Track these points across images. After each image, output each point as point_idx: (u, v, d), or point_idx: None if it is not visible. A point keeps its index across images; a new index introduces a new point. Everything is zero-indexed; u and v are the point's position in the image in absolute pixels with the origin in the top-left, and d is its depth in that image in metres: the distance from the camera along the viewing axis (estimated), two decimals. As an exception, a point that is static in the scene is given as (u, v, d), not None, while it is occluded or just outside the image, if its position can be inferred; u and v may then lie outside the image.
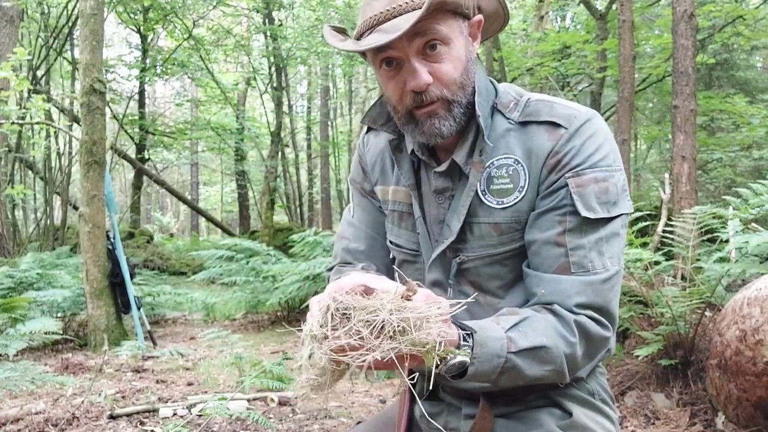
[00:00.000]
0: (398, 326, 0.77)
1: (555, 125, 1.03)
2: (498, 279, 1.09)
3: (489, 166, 1.06)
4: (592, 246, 1.00)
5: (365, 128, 1.28)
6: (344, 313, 0.80)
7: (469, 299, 0.96)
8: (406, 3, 0.98)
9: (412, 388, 1.23)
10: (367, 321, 0.78)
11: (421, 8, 0.94)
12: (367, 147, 1.27)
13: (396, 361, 0.80)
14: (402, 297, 0.82)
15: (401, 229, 1.19)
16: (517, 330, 0.97)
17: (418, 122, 1.04)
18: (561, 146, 1.02)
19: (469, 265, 1.09)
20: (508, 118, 1.08)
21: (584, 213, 0.99)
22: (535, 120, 1.05)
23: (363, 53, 1.07)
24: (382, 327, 0.77)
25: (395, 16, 0.98)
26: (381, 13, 0.99)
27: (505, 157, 1.06)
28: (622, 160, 1.08)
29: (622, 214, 1.02)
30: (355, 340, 0.77)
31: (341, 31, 1.09)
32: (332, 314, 0.80)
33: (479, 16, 1.07)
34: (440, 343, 0.81)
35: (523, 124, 1.06)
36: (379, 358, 0.78)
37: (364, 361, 0.77)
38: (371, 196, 1.26)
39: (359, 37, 1.03)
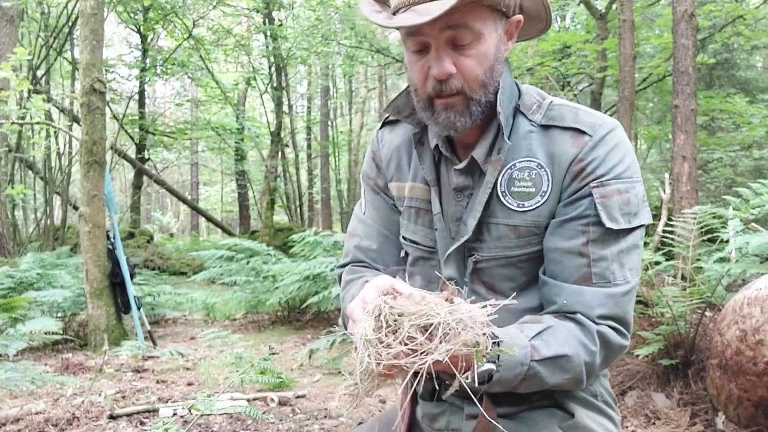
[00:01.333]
0: (451, 328, 0.77)
1: (580, 132, 1.03)
2: (511, 281, 1.09)
3: (511, 167, 1.06)
4: (614, 258, 1.01)
5: (379, 124, 1.27)
6: (396, 319, 0.79)
7: (509, 300, 0.95)
8: None
9: (413, 389, 1.24)
10: (421, 325, 0.77)
11: None
12: (381, 143, 1.25)
13: (451, 363, 0.79)
14: (447, 300, 0.82)
15: (418, 225, 1.17)
16: (541, 339, 0.97)
17: (435, 111, 1.03)
18: (585, 154, 1.02)
19: (484, 265, 1.09)
20: (530, 120, 1.07)
21: (608, 224, 1.00)
22: (559, 125, 1.05)
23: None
24: (435, 330, 0.77)
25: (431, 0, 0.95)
26: None
27: (527, 160, 1.05)
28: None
29: (641, 225, 1.03)
30: (410, 345, 0.76)
31: (382, 2, 1.05)
32: (385, 319, 0.79)
33: (519, 16, 1.05)
34: (491, 342, 0.82)
35: (546, 127, 1.06)
36: (439, 360, 0.78)
37: (423, 364, 0.76)
38: (384, 192, 1.24)
39: (395, 12, 0.99)
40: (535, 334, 0.97)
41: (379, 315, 0.80)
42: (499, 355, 0.90)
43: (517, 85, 1.12)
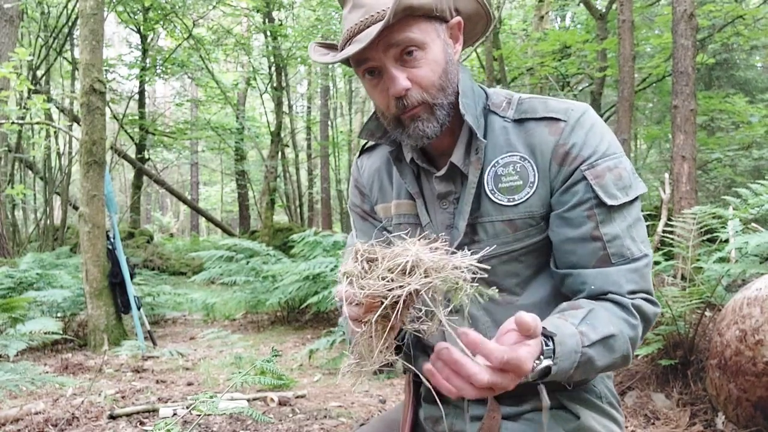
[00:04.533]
0: (430, 266, 0.78)
1: (554, 119, 1.05)
2: (515, 276, 1.10)
3: (494, 164, 1.08)
4: (625, 234, 1.03)
5: (357, 153, 1.31)
6: (372, 259, 0.82)
7: (489, 249, 1.01)
8: (378, 13, 1.00)
9: (415, 389, 1.24)
10: (397, 262, 0.79)
11: (396, 13, 0.97)
12: (362, 170, 1.29)
13: (428, 299, 0.79)
14: (434, 249, 0.83)
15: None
16: (586, 323, 0.98)
17: (404, 126, 1.06)
18: (565, 139, 1.04)
19: (485, 264, 1.09)
20: (503, 117, 1.10)
21: (609, 201, 1.02)
22: (532, 117, 1.07)
23: (350, 64, 1.10)
24: (414, 268, 0.78)
25: (368, 26, 1.00)
26: (356, 24, 1.02)
27: (509, 155, 1.07)
28: None
29: (638, 196, 1.06)
30: (387, 280, 0.78)
31: (330, 47, 1.12)
32: (363, 259, 0.82)
33: (458, 18, 1.08)
34: (471, 281, 0.81)
35: (520, 121, 1.08)
36: (416, 289, 0.78)
37: (399, 295, 0.77)
38: (372, 216, 1.28)
39: (342, 50, 1.05)
40: (580, 320, 0.98)
41: (357, 255, 0.83)
42: (555, 349, 0.90)
43: (482, 87, 1.15)
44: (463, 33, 1.11)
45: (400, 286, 0.77)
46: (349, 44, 1.03)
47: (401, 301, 0.78)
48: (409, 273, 0.79)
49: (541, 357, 0.88)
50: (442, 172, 1.11)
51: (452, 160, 1.09)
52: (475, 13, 1.12)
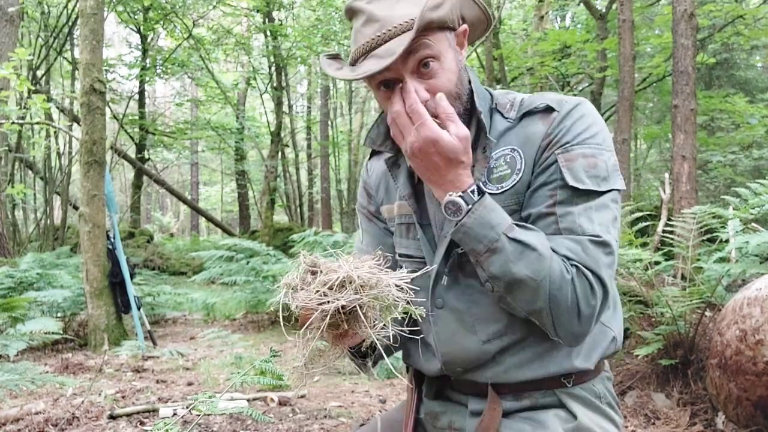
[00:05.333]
0: (360, 282, 0.85)
1: (548, 110, 1.08)
2: None
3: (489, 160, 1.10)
4: (580, 213, 1.02)
5: (368, 156, 1.35)
6: (313, 271, 0.89)
7: (428, 268, 1.10)
8: (395, 27, 1.01)
9: (417, 386, 1.25)
10: (330, 277, 0.86)
11: (410, 30, 0.99)
12: (370, 172, 1.33)
13: (360, 313, 0.85)
14: (371, 266, 0.89)
15: (408, 239, 1.22)
16: (524, 227, 1.02)
17: None
18: (553, 128, 1.06)
19: None
20: (506, 118, 1.12)
21: (572, 183, 1.02)
22: (530, 110, 1.10)
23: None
24: (348, 283, 0.85)
25: (387, 41, 1.01)
26: (373, 39, 1.02)
27: (502, 149, 1.10)
28: (614, 148, 1.11)
29: (612, 190, 1.04)
30: (321, 293, 0.85)
31: (336, 58, 1.13)
32: (305, 270, 0.89)
33: (464, 26, 1.10)
34: (401, 302, 0.87)
35: (520, 118, 1.11)
36: (342, 305, 0.84)
37: (328, 310, 0.84)
38: (377, 217, 1.31)
39: (354, 63, 1.07)
40: (522, 225, 1.02)
41: (299, 267, 0.90)
42: (473, 207, 0.99)
43: (488, 90, 1.18)
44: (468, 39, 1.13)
45: (329, 302, 0.84)
46: (364, 59, 1.03)
47: (329, 315, 0.84)
48: (343, 288, 0.85)
49: (460, 192, 0.99)
50: None
51: None
52: (477, 18, 1.14)
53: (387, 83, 1.05)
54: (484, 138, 1.09)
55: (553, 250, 1.00)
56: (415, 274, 0.89)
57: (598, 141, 1.05)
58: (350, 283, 0.84)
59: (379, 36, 1.01)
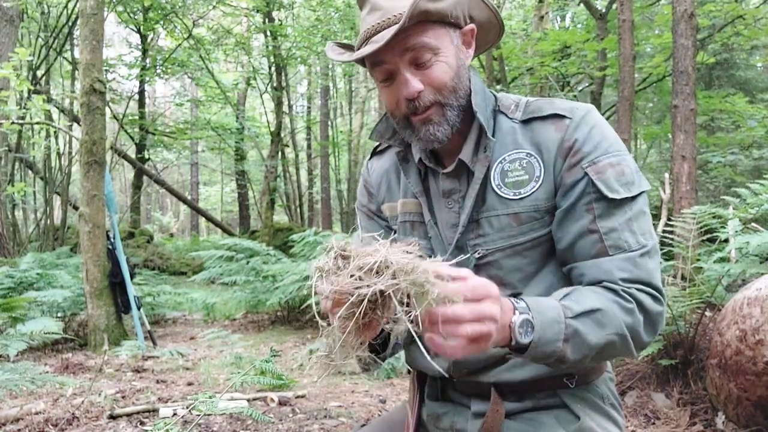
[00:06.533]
0: (397, 267, 0.80)
1: (559, 117, 1.08)
2: (519, 271, 1.11)
3: (501, 161, 1.10)
4: (623, 227, 1.02)
5: (368, 156, 1.35)
6: (344, 256, 0.84)
7: (467, 255, 1.06)
8: (394, 16, 1.03)
9: (420, 387, 1.25)
10: (366, 261, 0.81)
11: (411, 17, 0.99)
12: (371, 171, 1.33)
13: (395, 300, 0.80)
14: (406, 252, 0.85)
15: (413, 237, 1.22)
16: (569, 299, 0.99)
17: (414, 128, 1.09)
18: (570, 135, 1.06)
19: (490, 258, 1.11)
20: (511, 118, 1.12)
21: (609, 195, 1.02)
22: (539, 116, 1.10)
23: (364, 65, 1.13)
24: (385, 268, 0.81)
25: (384, 29, 1.04)
26: (373, 26, 1.05)
27: (516, 152, 1.09)
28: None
29: (642, 192, 1.05)
30: (356, 278, 0.81)
31: (346, 47, 1.15)
32: (336, 255, 0.85)
33: (471, 25, 1.11)
34: (438, 286, 0.82)
35: (527, 122, 1.11)
36: (381, 289, 0.79)
37: (365, 294, 0.79)
38: (378, 216, 1.32)
39: (358, 50, 1.09)
40: (563, 296, 0.99)
41: (330, 251, 0.85)
42: (532, 315, 0.92)
43: (492, 92, 1.18)
44: (476, 40, 1.14)
45: (367, 285, 0.79)
46: (365, 44, 1.06)
47: (366, 300, 0.79)
48: (378, 273, 0.80)
49: (516, 311, 0.91)
50: (450, 168, 1.14)
51: (461, 157, 1.12)
52: (487, 21, 1.14)
53: (386, 77, 1.07)
54: (485, 138, 1.09)
55: (607, 276, 1.01)
56: (451, 262, 0.86)
57: (618, 147, 1.06)
58: (386, 267, 0.80)
59: (379, 24, 1.04)
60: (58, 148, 11.07)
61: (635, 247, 1.02)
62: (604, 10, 9.35)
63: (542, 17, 10.87)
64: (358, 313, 0.81)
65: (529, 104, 1.12)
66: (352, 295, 0.80)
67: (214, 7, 12.68)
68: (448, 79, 1.05)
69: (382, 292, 0.79)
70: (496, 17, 1.14)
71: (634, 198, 1.04)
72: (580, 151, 1.05)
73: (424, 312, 0.80)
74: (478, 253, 1.11)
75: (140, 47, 13.33)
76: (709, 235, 3.55)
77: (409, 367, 1.31)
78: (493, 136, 1.11)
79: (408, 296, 0.81)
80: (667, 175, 5.12)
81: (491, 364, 1.11)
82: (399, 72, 1.05)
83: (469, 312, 0.81)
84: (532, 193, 1.07)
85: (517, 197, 1.08)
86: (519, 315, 0.91)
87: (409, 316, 0.81)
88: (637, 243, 1.02)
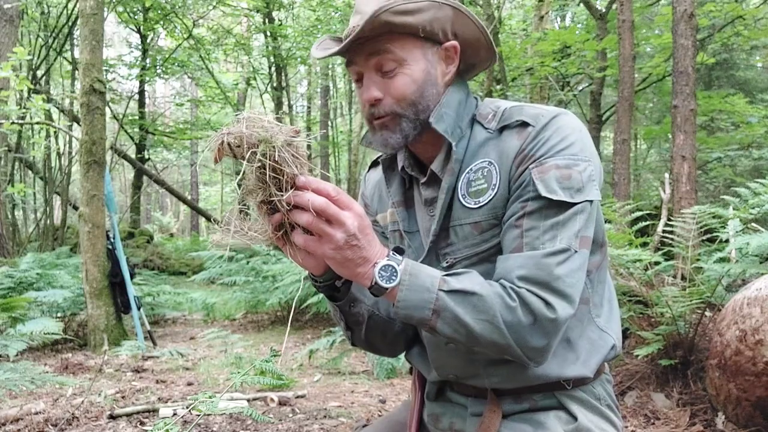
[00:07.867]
0: (255, 121, 0.91)
1: (524, 125, 1.07)
2: (489, 277, 1.10)
3: (468, 172, 1.11)
4: (547, 228, 1.00)
5: (367, 168, 1.38)
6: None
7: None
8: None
9: (421, 387, 1.26)
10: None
11: (374, 27, 1.03)
12: (367, 183, 1.37)
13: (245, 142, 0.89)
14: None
15: (404, 247, 1.23)
16: (454, 276, 1.00)
17: (374, 131, 1.12)
18: (527, 142, 1.05)
19: (459, 266, 1.12)
20: (486, 128, 1.12)
21: (544, 194, 1.00)
22: (508, 124, 1.10)
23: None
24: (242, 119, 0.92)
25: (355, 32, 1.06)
26: (351, 28, 1.08)
27: (480, 162, 1.10)
28: (597, 153, 1.08)
29: (587, 201, 1.02)
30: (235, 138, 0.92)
31: (340, 41, 1.16)
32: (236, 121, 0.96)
33: (453, 42, 1.10)
34: (281, 135, 0.90)
35: (500, 131, 1.11)
36: (238, 135, 0.89)
37: (223, 135, 0.92)
38: (375, 224, 1.32)
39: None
40: (449, 273, 1.01)
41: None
42: (402, 269, 0.97)
43: (476, 98, 1.18)
44: (464, 58, 1.14)
45: (229, 133, 0.91)
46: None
47: (225, 141, 0.92)
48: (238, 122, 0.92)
49: (387, 257, 0.97)
50: (425, 178, 1.16)
51: (432, 167, 1.14)
52: (476, 40, 1.13)
53: (357, 79, 1.11)
54: (452, 150, 1.10)
55: (505, 272, 1.01)
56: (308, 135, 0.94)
57: (574, 151, 1.02)
58: (261, 128, 0.90)
59: (354, 27, 1.06)
60: (58, 148, 11.07)
61: (548, 248, 0.98)
62: (604, 10, 9.36)
63: (542, 17, 10.87)
64: (242, 173, 0.93)
65: (504, 112, 1.11)
66: (221, 142, 0.92)
67: (214, 7, 12.68)
68: (409, 92, 1.07)
69: (236, 136, 0.89)
70: (484, 35, 1.12)
71: (573, 204, 1.00)
72: (532, 155, 1.03)
73: (289, 195, 0.89)
74: (447, 262, 1.12)
75: (140, 47, 13.33)
76: (709, 235, 3.55)
77: (411, 368, 1.33)
78: (467, 146, 1.11)
79: (276, 172, 0.89)
80: (667, 175, 5.12)
81: (473, 374, 1.13)
82: (364, 76, 1.09)
83: (322, 204, 0.90)
84: (489, 200, 1.07)
85: (477, 206, 1.08)
86: (387, 260, 0.96)
87: (278, 197, 0.90)
88: (553, 246, 0.98)
